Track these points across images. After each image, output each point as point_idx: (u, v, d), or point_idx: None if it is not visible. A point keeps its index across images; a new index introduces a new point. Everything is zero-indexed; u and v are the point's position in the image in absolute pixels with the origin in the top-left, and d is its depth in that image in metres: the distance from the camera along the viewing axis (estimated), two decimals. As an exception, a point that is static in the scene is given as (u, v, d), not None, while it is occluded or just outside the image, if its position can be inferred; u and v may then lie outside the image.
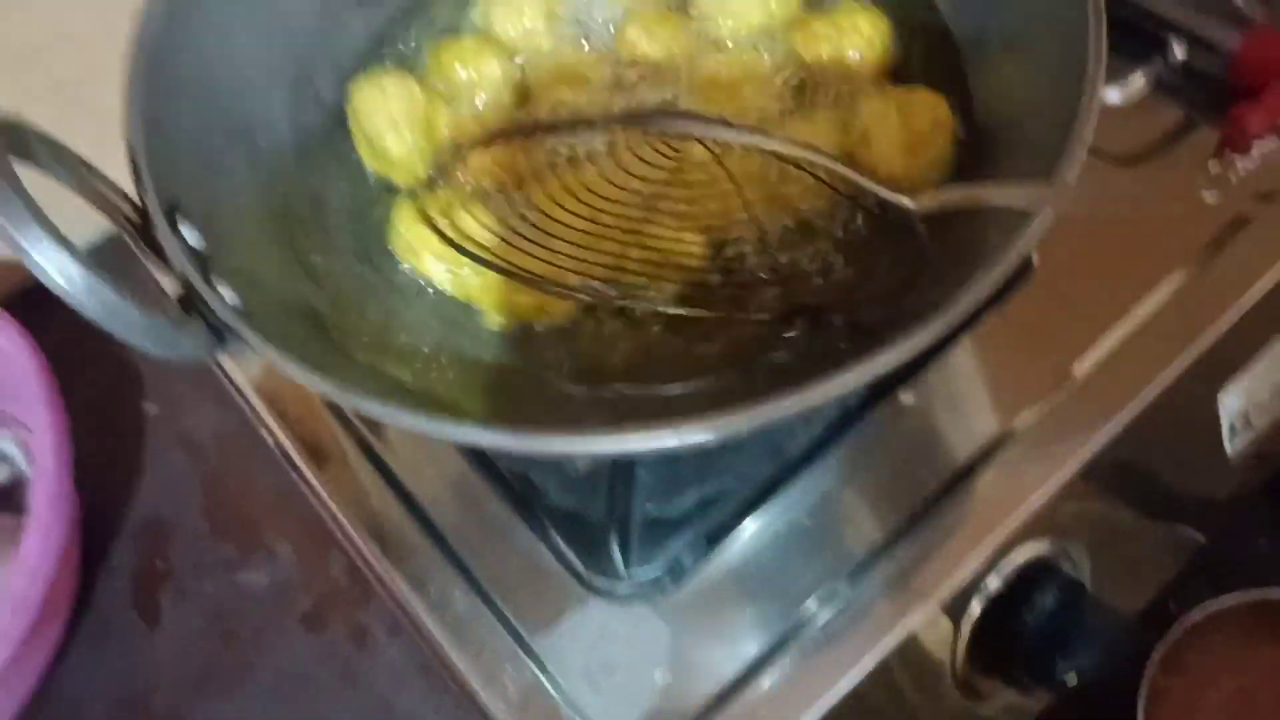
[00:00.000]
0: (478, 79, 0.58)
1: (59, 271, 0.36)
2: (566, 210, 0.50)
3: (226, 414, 0.76)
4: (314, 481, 0.58)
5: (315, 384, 0.40)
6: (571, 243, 0.49)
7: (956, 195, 0.46)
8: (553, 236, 0.50)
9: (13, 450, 0.73)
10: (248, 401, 0.62)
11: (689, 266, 0.51)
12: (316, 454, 0.59)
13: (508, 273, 0.49)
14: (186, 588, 0.71)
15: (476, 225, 0.51)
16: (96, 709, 0.68)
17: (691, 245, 0.51)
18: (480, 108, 0.58)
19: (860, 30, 0.56)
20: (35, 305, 0.78)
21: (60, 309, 0.83)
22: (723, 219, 0.52)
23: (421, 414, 0.39)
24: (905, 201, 0.46)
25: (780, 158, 0.51)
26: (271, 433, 0.61)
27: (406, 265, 0.54)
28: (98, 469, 0.75)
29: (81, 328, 0.81)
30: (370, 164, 0.57)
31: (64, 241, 0.37)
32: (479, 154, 0.55)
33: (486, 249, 0.50)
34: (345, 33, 0.59)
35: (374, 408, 0.39)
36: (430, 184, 0.54)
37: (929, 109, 0.52)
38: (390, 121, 0.55)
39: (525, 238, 0.50)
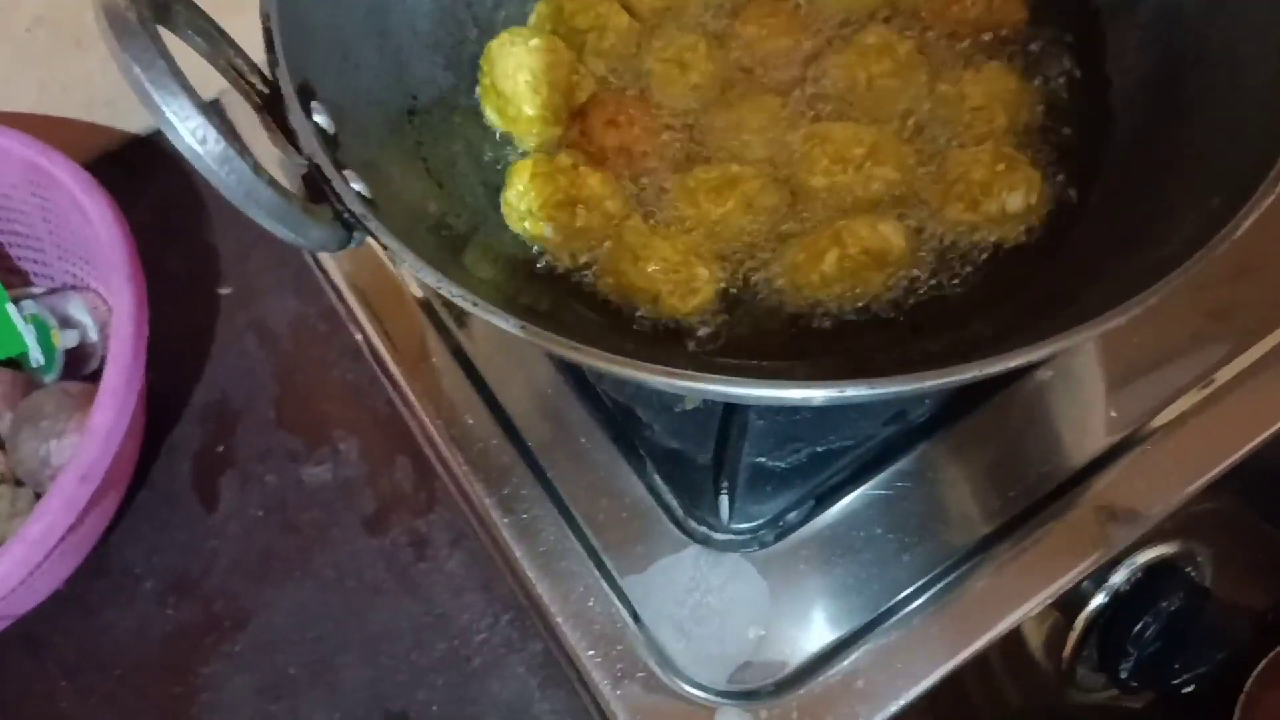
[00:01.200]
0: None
1: (194, 136, 0.33)
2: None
3: (305, 303, 0.74)
4: (401, 381, 0.56)
5: (444, 286, 0.37)
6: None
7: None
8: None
9: (84, 317, 0.71)
10: (338, 293, 0.59)
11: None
12: (405, 353, 0.57)
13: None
14: (248, 475, 0.70)
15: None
16: (148, 582, 0.67)
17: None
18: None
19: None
20: (121, 175, 0.77)
21: (144, 181, 0.82)
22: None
23: (559, 336, 0.36)
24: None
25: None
26: (360, 326, 0.58)
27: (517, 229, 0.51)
28: (168, 347, 0.73)
29: (163, 203, 0.81)
30: (497, 122, 0.54)
31: (204, 107, 0.34)
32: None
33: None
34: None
35: (502, 321, 0.37)
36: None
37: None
38: (530, 83, 0.52)
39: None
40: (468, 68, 0.53)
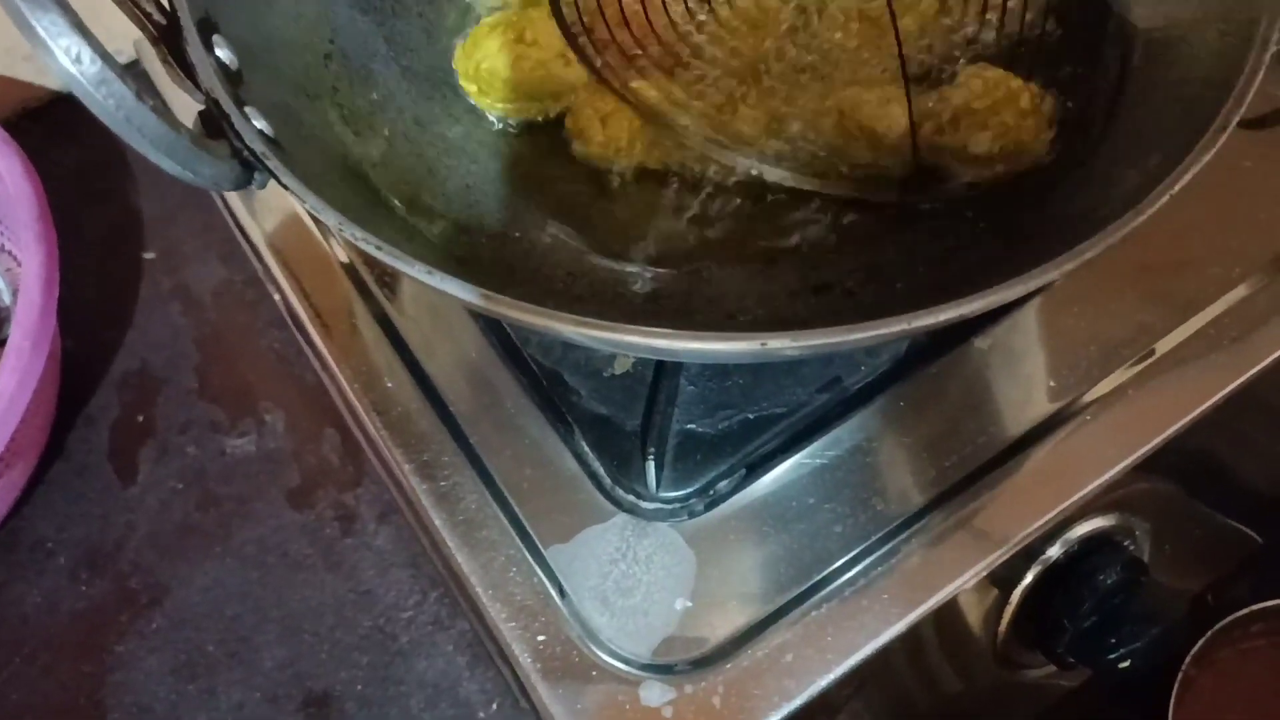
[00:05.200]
0: None
1: (69, 55, 0.31)
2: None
3: (231, 269, 0.71)
4: (320, 345, 0.53)
5: (346, 229, 0.35)
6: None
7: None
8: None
9: (-3, 279, 0.68)
10: (257, 254, 0.57)
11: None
12: (327, 318, 0.54)
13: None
14: (168, 447, 0.67)
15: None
16: (60, 557, 0.64)
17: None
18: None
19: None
20: (42, 133, 0.73)
21: (66, 140, 0.79)
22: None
23: (466, 282, 0.34)
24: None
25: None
26: (280, 290, 0.56)
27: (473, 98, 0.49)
28: (87, 312, 0.70)
29: (85, 163, 0.77)
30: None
31: (78, 23, 0.31)
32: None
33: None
34: None
35: (406, 265, 0.35)
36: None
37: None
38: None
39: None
40: (390, 11, 0.51)
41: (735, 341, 0.33)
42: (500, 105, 0.52)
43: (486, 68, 0.51)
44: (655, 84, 0.50)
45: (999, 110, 0.47)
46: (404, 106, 0.48)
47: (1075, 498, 0.47)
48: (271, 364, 0.69)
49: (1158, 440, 0.49)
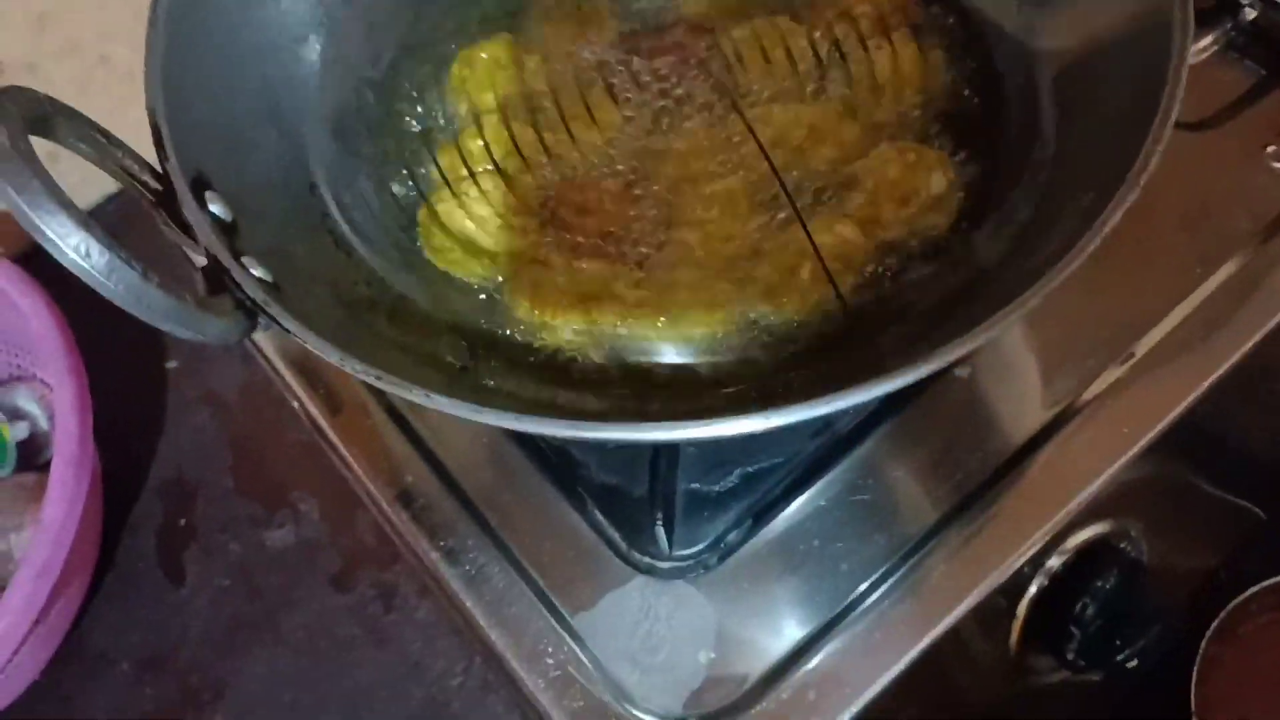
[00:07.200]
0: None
1: (78, 252, 0.34)
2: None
3: (251, 369, 0.74)
4: (341, 449, 0.56)
5: (347, 363, 0.38)
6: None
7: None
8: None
9: (33, 408, 0.72)
10: (272, 365, 0.60)
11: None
12: (342, 417, 0.58)
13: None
14: (211, 546, 0.70)
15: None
16: (122, 664, 0.67)
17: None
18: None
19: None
20: (53, 260, 0.77)
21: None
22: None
23: (468, 402, 0.37)
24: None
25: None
26: (296, 396, 0.59)
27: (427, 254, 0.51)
28: (120, 426, 0.74)
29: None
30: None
31: (84, 220, 0.34)
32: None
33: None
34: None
35: (405, 391, 0.37)
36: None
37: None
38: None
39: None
40: (365, 135, 0.53)
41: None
42: (447, 265, 0.52)
43: (438, 227, 0.52)
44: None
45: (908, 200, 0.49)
46: (388, 226, 0.51)
47: (1071, 505, 0.50)
48: (300, 455, 0.72)
49: (1148, 438, 0.51)
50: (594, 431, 0.36)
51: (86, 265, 0.34)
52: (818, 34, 0.56)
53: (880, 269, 0.48)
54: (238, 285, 0.40)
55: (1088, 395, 0.53)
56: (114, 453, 0.73)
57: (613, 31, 0.58)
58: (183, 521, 0.71)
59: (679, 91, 0.56)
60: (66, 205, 0.34)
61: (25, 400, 0.72)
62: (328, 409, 0.57)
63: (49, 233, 0.33)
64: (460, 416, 0.37)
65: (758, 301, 0.48)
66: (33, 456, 0.72)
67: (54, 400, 0.64)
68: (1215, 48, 0.60)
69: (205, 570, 0.70)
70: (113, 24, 0.76)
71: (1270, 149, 0.57)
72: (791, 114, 0.54)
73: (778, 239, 0.50)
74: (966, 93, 0.52)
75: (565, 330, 0.49)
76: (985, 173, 0.49)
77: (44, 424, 0.72)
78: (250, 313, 0.40)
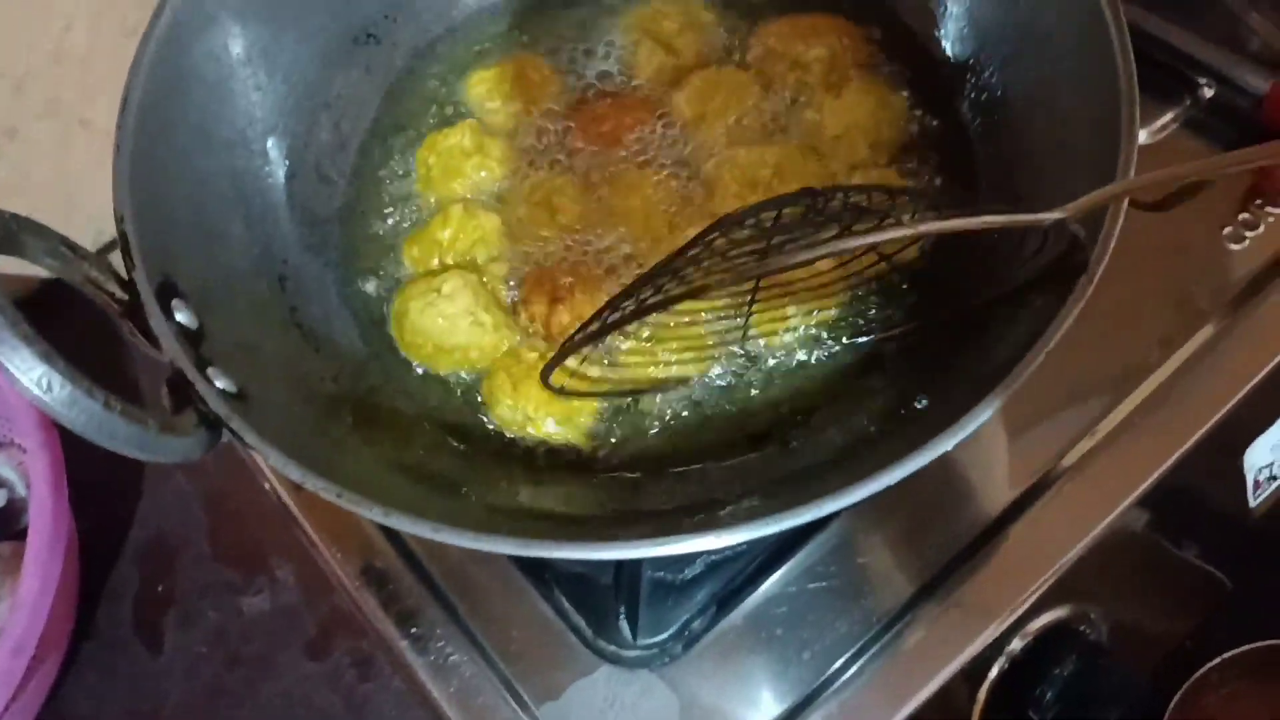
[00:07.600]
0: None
1: (40, 386, 0.35)
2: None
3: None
4: (306, 527, 0.57)
5: (311, 484, 0.39)
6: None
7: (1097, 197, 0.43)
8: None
9: (10, 474, 0.72)
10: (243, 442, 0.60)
11: None
12: (313, 505, 0.58)
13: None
14: (189, 612, 0.71)
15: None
16: (102, 731, 0.68)
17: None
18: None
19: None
20: (32, 319, 0.77)
21: (52, 329, 0.83)
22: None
23: (427, 520, 0.38)
24: (1055, 215, 0.41)
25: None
26: (266, 477, 0.59)
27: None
28: (96, 491, 0.74)
29: (78, 344, 0.81)
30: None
31: (46, 353, 0.35)
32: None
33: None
34: (346, 81, 0.56)
35: (366, 510, 0.38)
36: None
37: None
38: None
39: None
40: (334, 226, 0.54)
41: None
42: (422, 360, 0.53)
43: (409, 323, 0.52)
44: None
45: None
46: (358, 320, 0.51)
47: (1039, 584, 0.50)
48: (277, 517, 0.72)
49: (1099, 527, 0.52)
50: (552, 551, 0.37)
51: (48, 399, 0.35)
52: (773, 84, 0.58)
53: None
54: (201, 399, 0.40)
55: (1053, 473, 0.54)
56: (91, 517, 0.73)
57: (571, 97, 0.59)
58: (160, 588, 0.72)
59: (641, 158, 0.57)
60: (28, 337, 0.35)
61: (2, 467, 0.72)
62: (293, 486, 0.57)
63: (10, 368, 0.34)
64: (419, 535, 0.38)
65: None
66: (11, 522, 0.72)
67: (29, 470, 0.65)
68: (1174, 125, 0.61)
69: (183, 637, 0.70)
70: (93, 85, 0.77)
71: (1227, 230, 0.58)
72: (756, 155, 0.55)
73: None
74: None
75: (547, 423, 0.50)
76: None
77: (21, 490, 0.73)
78: (214, 426, 0.40)
